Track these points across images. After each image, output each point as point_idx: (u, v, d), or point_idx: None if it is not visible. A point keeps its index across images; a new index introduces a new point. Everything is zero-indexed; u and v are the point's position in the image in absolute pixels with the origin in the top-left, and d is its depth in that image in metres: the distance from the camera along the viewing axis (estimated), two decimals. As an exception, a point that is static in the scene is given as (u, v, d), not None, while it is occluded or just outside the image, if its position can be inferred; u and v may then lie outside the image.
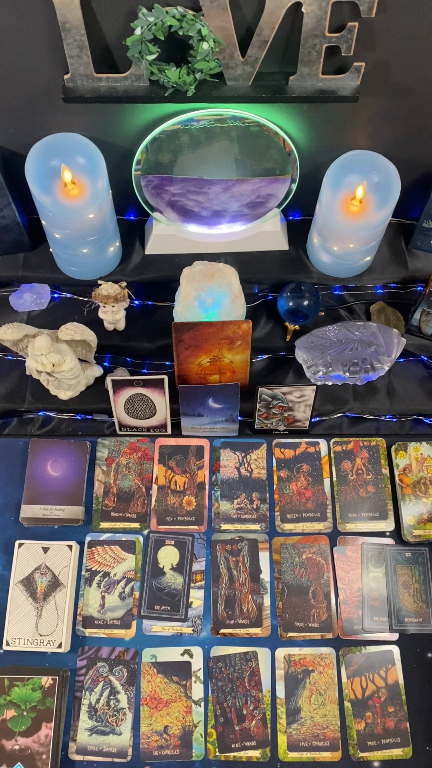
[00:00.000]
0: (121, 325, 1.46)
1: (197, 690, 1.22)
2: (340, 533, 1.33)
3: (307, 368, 1.38)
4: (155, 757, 1.18)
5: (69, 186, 1.24)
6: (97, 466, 1.37)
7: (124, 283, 1.38)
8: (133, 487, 1.36)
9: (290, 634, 1.26)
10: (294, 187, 1.38)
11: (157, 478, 1.37)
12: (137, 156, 1.30)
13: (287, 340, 1.46)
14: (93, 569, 1.30)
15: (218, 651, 1.25)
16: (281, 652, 1.24)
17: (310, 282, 1.46)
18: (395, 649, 1.25)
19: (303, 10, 1.06)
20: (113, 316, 1.41)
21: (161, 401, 1.34)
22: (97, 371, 1.43)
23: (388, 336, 1.39)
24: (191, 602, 1.27)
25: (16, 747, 1.17)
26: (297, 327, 1.44)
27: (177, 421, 1.40)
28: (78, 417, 1.44)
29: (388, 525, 1.33)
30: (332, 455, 1.39)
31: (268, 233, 1.46)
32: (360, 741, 1.19)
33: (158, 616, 1.27)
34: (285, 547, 1.31)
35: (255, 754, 1.19)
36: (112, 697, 1.22)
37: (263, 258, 1.48)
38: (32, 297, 1.47)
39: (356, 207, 1.29)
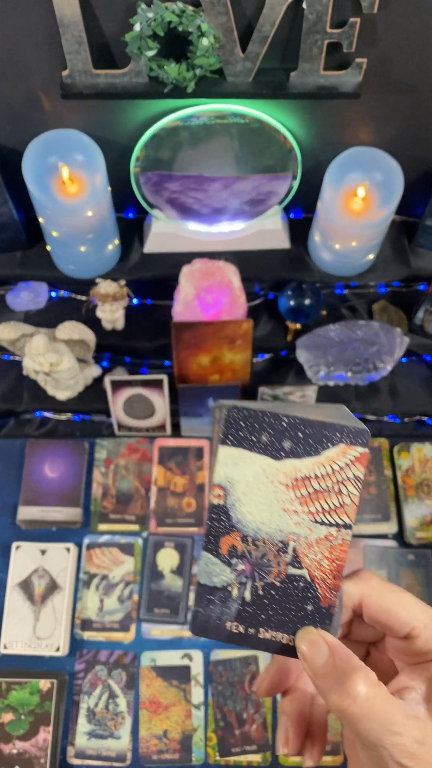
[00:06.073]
0: (120, 324, 1.44)
1: (197, 694, 1.21)
2: (341, 535, 1.32)
3: (308, 368, 1.37)
4: (154, 761, 1.17)
5: (67, 183, 1.22)
6: (95, 467, 1.36)
7: (123, 282, 1.36)
8: (132, 489, 1.35)
9: (291, 638, 1.24)
10: (295, 184, 1.36)
11: (156, 480, 1.35)
12: (136, 153, 1.29)
13: (288, 339, 1.45)
14: (91, 572, 1.28)
15: (218, 655, 1.23)
16: (282, 656, 1.23)
17: (312, 280, 1.44)
18: (397, 653, 1.24)
19: (304, 5, 1.04)
20: (112, 315, 1.40)
21: (160, 401, 1.33)
22: (96, 371, 1.41)
23: (390, 335, 1.37)
24: (191, 605, 1.26)
25: (14, 751, 1.16)
26: (298, 326, 1.42)
27: (176, 422, 1.39)
28: (76, 418, 1.43)
29: (391, 527, 1.32)
30: (333, 456, 1.37)
31: (269, 231, 1.44)
32: (361, 745, 1.18)
33: (158, 620, 1.25)
34: (286, 549, 1.30)
35: (256, 758, 1.17)
36: (110, 701, 1.20)
37: (264, 256, 1.46)
38: (29, 296, 1.45)
39: (358, 204, 1.27)
